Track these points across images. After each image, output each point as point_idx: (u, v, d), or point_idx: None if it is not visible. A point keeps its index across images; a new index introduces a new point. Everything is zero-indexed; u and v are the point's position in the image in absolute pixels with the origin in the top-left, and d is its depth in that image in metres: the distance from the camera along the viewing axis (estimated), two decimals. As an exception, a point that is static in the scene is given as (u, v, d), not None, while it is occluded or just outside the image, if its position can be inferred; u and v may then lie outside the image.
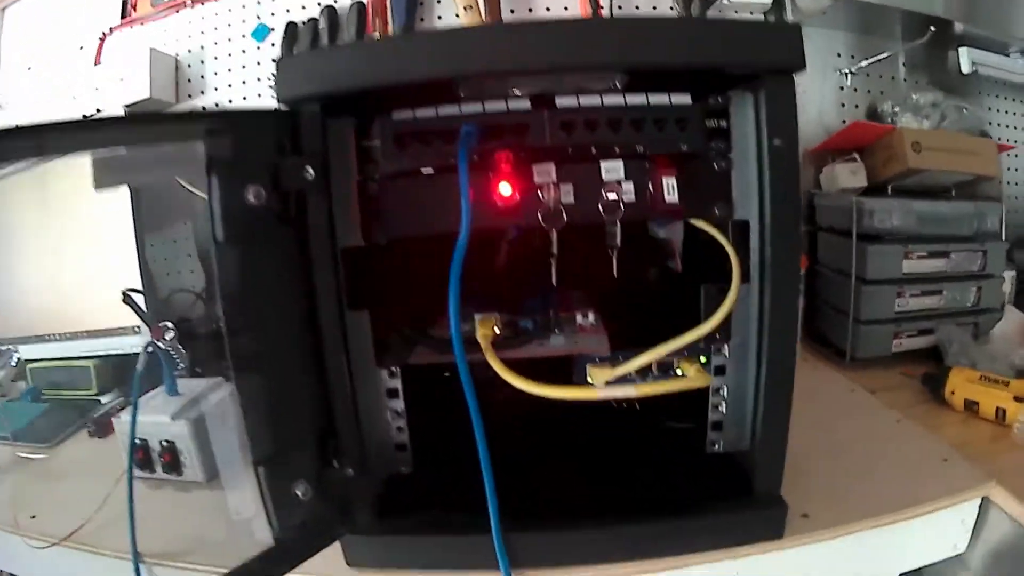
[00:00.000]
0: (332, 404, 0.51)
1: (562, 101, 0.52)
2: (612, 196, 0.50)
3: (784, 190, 0.50)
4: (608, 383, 0.54)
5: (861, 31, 1.17)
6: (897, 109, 1.11)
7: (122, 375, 1.01)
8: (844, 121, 1.09)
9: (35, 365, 1.07)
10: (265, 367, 0.47)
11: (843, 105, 1.17)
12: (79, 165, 1.06)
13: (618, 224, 0.51)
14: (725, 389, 0.58)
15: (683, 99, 0.53)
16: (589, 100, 0.52)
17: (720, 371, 0.58)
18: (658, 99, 0.53)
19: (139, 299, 0.95)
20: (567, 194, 0.52)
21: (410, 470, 0.61)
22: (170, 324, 0.85)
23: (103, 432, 0.90)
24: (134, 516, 0.63)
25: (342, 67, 0.48)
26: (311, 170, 0.47)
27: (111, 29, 1.43)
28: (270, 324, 0.47)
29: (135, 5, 1.45)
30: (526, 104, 0.52)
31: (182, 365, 0.85)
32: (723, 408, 0.59)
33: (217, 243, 0.44)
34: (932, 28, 1.07)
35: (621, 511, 0.57)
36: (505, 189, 0.50)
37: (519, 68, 0.47)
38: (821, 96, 1.15)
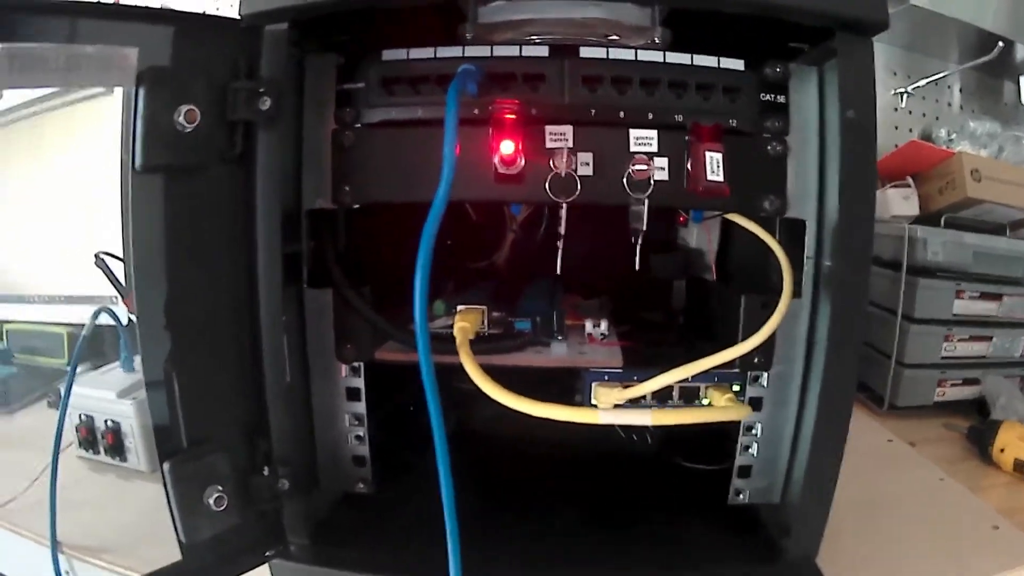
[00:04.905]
0: (265, 398, 0.40)
1: (588, 52, 0.43)
2: (641, 169, 0.40)
3: (857, 178, 0.39)
4: (617, 406, 0.43)
5: (916, 49, 1.08)
6: (954, 136, 1.02)
7: (99, 346, 0.91)
8: (896, 145, 0.99)
9: (12, 327, 1.03)
10: (179, 337, 0.37)
11: (896, 128, 1.09)
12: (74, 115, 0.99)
13: (645, 204, 0.41)
14: (759, 428, 0.48)
15: (735, 65, 0.43)
16: (621, 54, 0.43)
17: (755, 405, 0.47)
18: (705, 62, 0.43)
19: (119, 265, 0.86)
20: (585, 164, 0.42)
21: (369, 489, 0.50)
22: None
23: (61, 404, 0.83)
24: (55, 500, 0.56)
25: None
26: (268, 100, 0.38)
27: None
28: (189, 285, 0.37)
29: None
30: (543, 52, 0.43)
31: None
32: (754, 451, 0.48)
33: (133, 170, 0.35)
34: (1000, 44, 0.97)
35: (620, 570, 0.46)
36: (507, 148, 0.40)
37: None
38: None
